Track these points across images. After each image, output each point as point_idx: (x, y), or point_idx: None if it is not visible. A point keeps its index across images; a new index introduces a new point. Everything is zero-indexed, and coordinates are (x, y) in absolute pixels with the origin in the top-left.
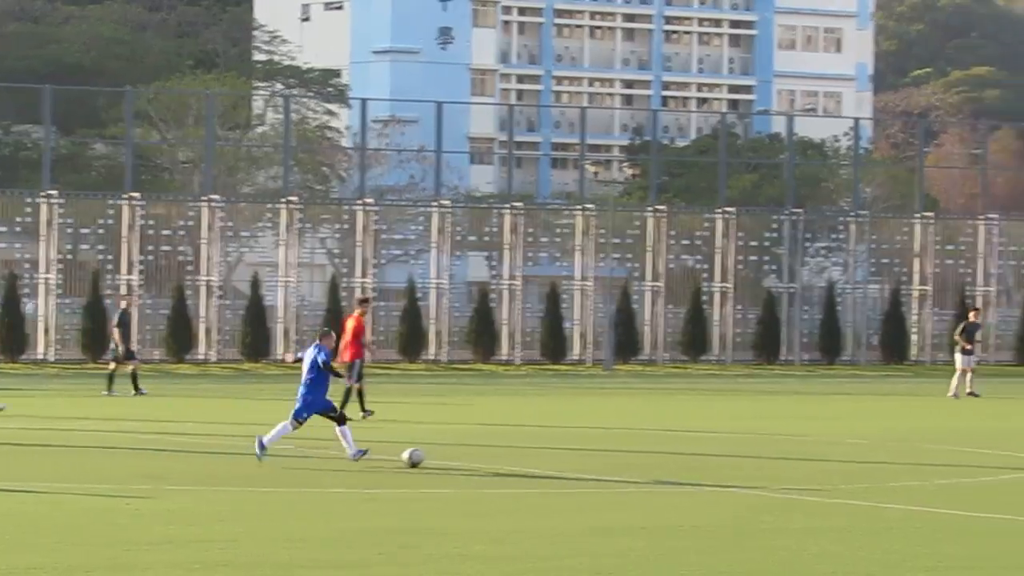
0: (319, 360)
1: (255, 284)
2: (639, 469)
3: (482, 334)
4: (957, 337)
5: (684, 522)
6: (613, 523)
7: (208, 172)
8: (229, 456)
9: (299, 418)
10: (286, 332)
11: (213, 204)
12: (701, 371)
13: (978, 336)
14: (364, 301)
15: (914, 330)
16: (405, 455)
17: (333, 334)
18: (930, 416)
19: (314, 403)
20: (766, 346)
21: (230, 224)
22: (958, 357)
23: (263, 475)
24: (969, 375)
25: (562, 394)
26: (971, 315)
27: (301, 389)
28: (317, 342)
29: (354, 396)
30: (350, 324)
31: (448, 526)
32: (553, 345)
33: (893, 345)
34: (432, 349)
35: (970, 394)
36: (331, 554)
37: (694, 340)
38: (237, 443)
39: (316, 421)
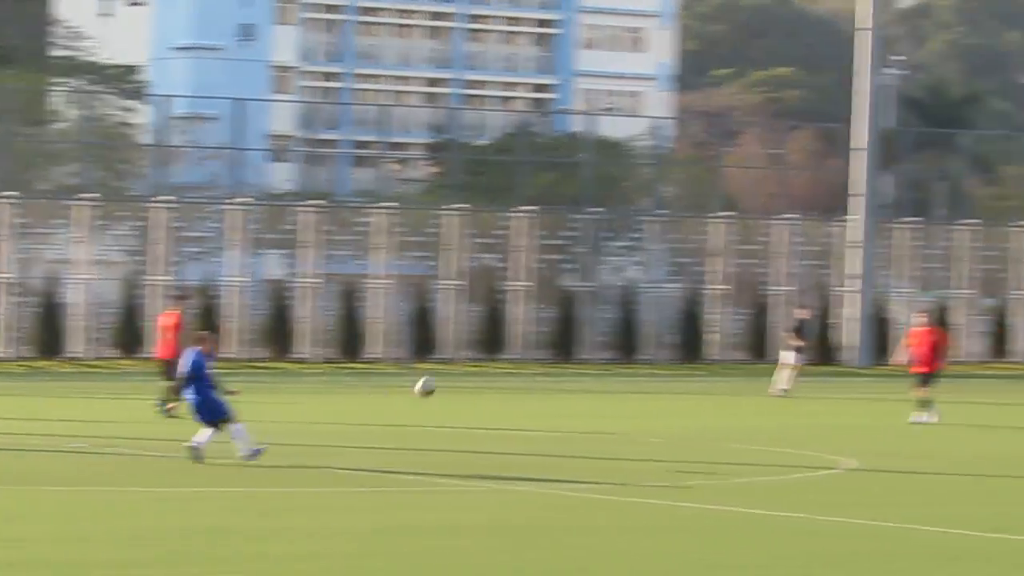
0: (193, 363)
1: (50, 281)
2: (440, 467)
3: (278, 332)
4: (786, 334)
5: (484, 521)
6: (413, 522)
7: (3, 168)
8: (19, 454)
9: (212, 421)
10: (81, 330)
11: (9, 200)
12: (499, 370)
13: (795, 336)
14: (180, 298)
15: (711, 330)
16: (418, 386)
17: (211, 335)
18: (727, 415)
19: (207, 403)
20: (563, 345)
21: (26, 221)
22: (786, 354)
23: (56, 474)
24: (793, 373)
25: (358, 392)
26: (801, 313)
27: (190, 395)
28: (194, 346)
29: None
30: (166, 321)
31: (244, 525)
32: (350, 343)
33: (689, 344)
34: (233, 347)
35: (783, 391)
36: (120, 553)
37: (491, 339)
38: (29, 441)
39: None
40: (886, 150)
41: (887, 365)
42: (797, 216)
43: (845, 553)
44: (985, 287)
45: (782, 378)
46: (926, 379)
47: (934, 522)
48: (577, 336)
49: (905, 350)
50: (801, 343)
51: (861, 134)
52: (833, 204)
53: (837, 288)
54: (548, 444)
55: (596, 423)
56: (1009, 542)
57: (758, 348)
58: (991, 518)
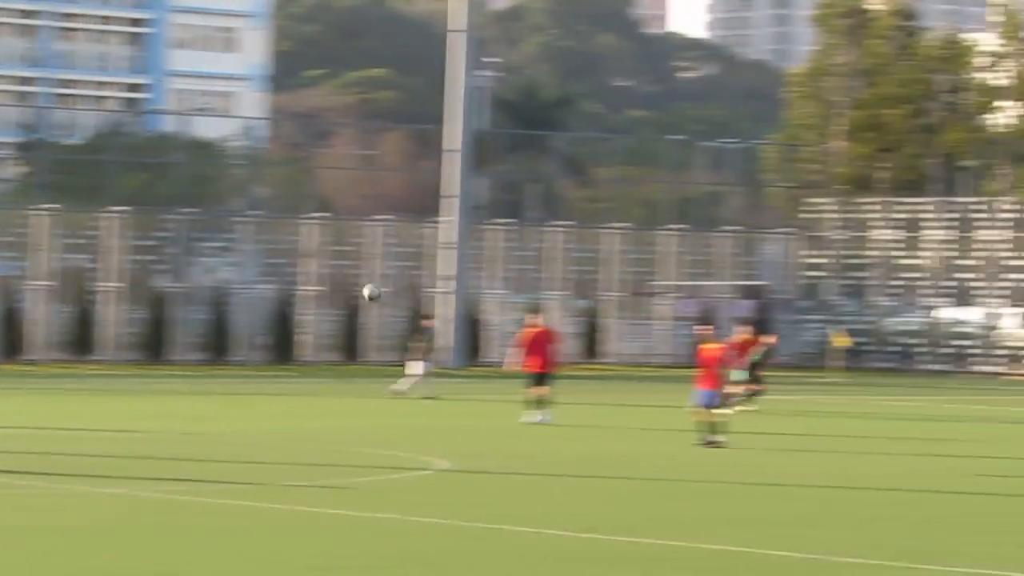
0: None
1: None
2: (30, 468)
3: None
4: (413, 343)
5: (74, 523)
6: (2, 524)
7: None
8: None
9: None
10: None
11: None
12: (88, 371)
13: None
14: None
15: (303, 331)
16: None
17: None
18: (318, 415)
19: None
20: (154, 346)
21: None
22: (413, 363)
23: None
24: (420, 379)
25: None
26: (428, 323)
27: None
28: None
29: None
30: None
31: None
32: None
33: (281, 345)
34: None
35: (396, 392)
36: None
37: (82, 340)
38: None
39: None
40: (479, 152)
41: (480, 365)
42: (390, 217)
43: (435, 552)
44: (577, 288)
45: (408, 381)
46: (540, 379)
47: (527, 522)
48: (169, 337)
49: (516, 351)
50: (429, 349)
51: (454, 135)
52: (426, 205)
53: (430, 289)
54: (138, 445)
55: (186, 424)
56: (599, 541)
57: (350, 349)
58: (583, 518)
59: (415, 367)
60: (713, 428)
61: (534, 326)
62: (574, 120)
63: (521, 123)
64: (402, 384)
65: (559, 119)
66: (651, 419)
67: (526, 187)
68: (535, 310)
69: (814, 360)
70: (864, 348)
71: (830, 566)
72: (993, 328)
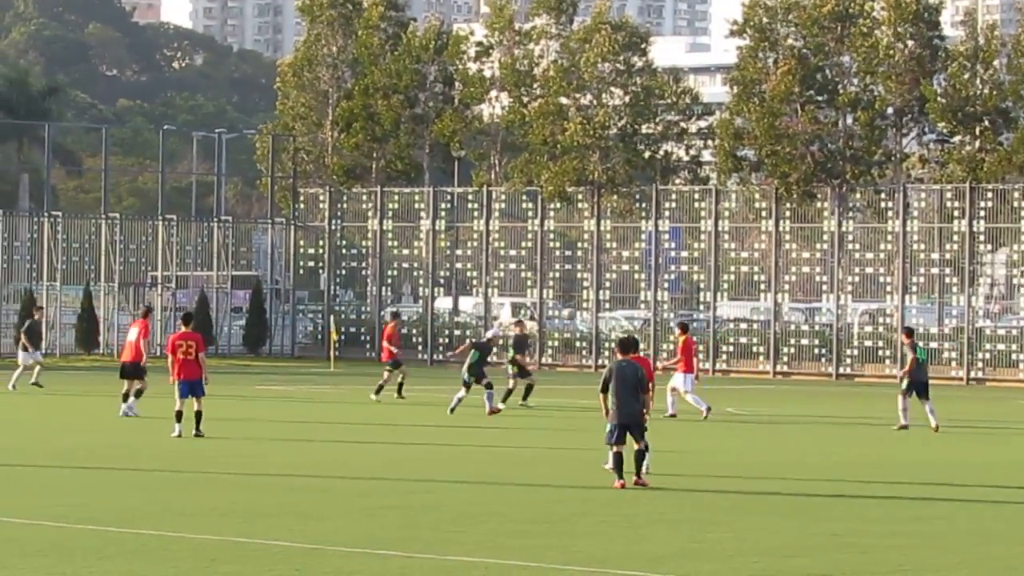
0: None
1: None
2: None
3: None
4: (22, 334)
5: None
6: None
7: None
8: None
9: None
10: None
11: None
12: None
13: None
14: None
15: None
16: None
17: None
18: None
19: None
20: None
21: None
22: (21, 354)
23: None
24: (37, 369)
25: None
26: (35, 313)
27: None
28: None
29: None
30: None
31: None
32: None
33: None
34: None
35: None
36: None
37: None
38: None
39: None
40: None
41: None
42: None
43: None
44: (74, 278)
45: (15, 376)
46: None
47: (20, 514)
48: None
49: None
50: (31, 344)
51: None
52: None
53: None
54: None
55: None
56: (97, 532)
57: None
58: (80, 508)
59: (20, 357)
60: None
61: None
62: (64, 110)
63: (10, 113)
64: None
65: (48, 109)
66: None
67: (17, 177)
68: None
69: (311, 350)
70: (361, 338)
71: (330, 555)
72: (496, 318)
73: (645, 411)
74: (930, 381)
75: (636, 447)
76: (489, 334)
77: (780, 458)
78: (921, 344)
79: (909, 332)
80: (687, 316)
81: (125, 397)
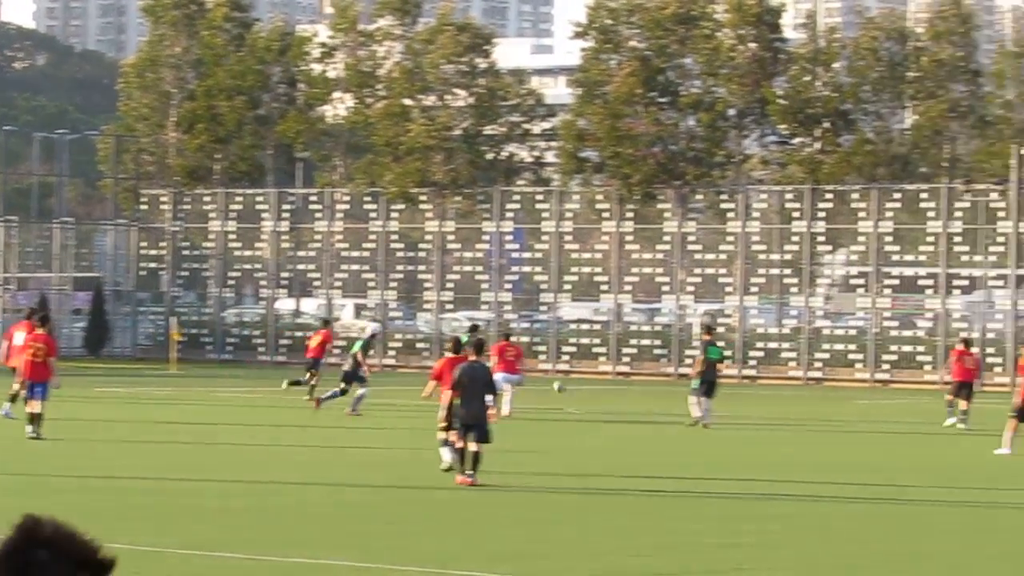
0: None
1: None
2: None
3: None
4: None
5: None
6: None
7: None
8: None
9: None
10: None
11: None
12: None
13: None
14: None
15: None
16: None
17: None
18: None
19: None
20: None
21: None
22: None
23: None
24: None
25: None
26: None
27: None
28: None
29: None
30: None
31: None
32: None
33: None
34: None
35: None
36: None
37: None
38: None
39: None
40: None
41: None
42: None
43: None
44: None
45: None
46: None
47: None
48: None
49: None
50: None
51: None
52: None
53: None
54: None
55: None
56: None
57: None
58: None
59: None
60: (31, 419)
61: None
62: None
63: None
64: None
65: None
66: None
67: None
68: None
69: (152, 352)
70: (203, 340)
71: (168, 557)
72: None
73: (492, 413)
74: (719, 380)
75: (474, 449)
76: (370, 329)
77: (622, 459)
78: (721, 344)
79: (708, 330)
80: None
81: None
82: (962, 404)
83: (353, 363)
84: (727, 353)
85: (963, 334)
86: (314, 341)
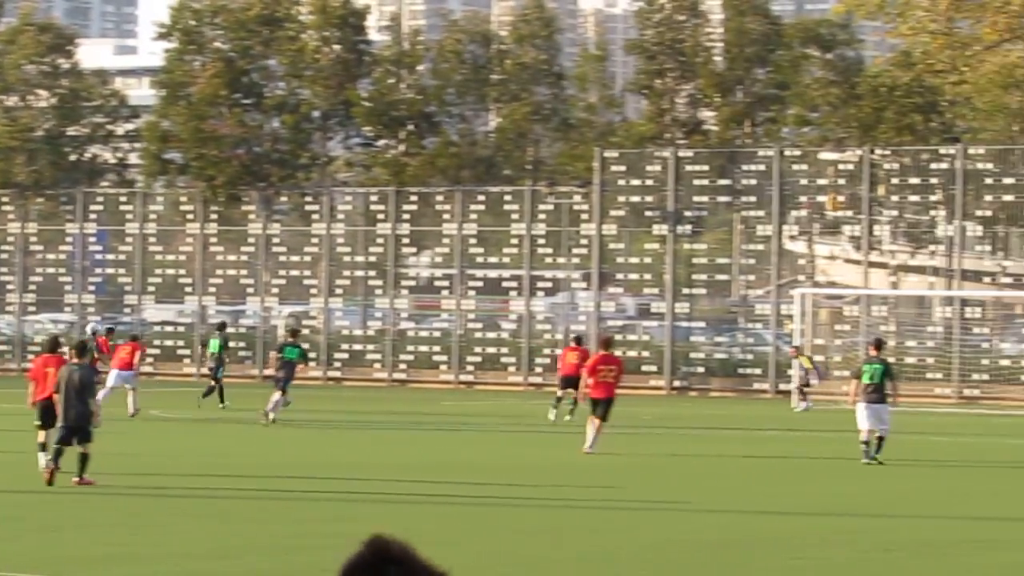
0: None
1: None
2: None
3: None
4: None
5: None
6: None
7: None
8: None
9: None
10: None
11: None
12: None
13: None
14: None
15: None
16: None
17: None
18: None
19: None
20: None
21: None
22: None
23: None
24: None
25: None
26: None
27: None
28: None
29: None
30: None
31: None
32: None
33: None
34: None
35: None
36: None
37: None
38: None
39: None
40: None
41: None
42: None
43: None
44: None
45: None
46: None
47: None
48: None
49: None
50: None
51: None
52: None
53: None
54: None
55: None
56: None
57: None
58: None
59: None
60: None
61: None
62: None
63: None
64: None
65: None
66: None
67: None
68: None
69: None
70: None
71: None
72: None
73: (94, 415)
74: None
75: (81, 450)
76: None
77: (212, 460)
78: (306, 346)
79: (294, 332)
80: (112, 319)
81: None
82: (573, 394)
83: None
84: (312, 355)
85: (572, 333)
86: None
